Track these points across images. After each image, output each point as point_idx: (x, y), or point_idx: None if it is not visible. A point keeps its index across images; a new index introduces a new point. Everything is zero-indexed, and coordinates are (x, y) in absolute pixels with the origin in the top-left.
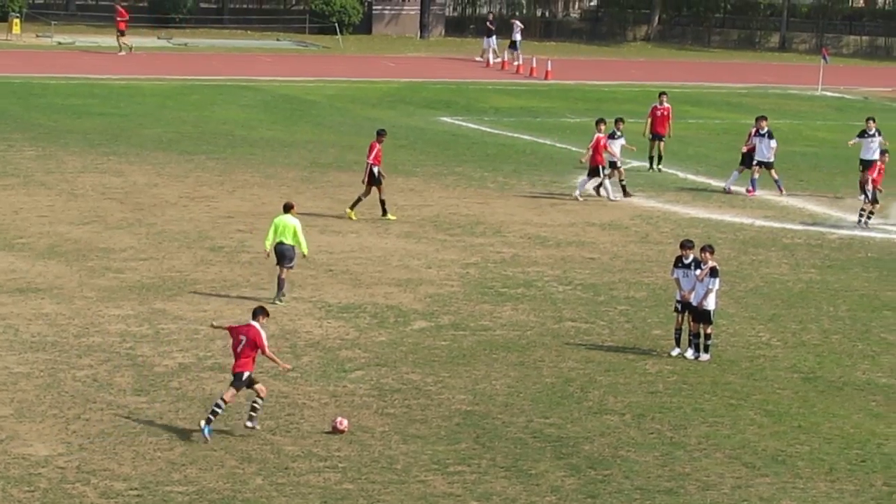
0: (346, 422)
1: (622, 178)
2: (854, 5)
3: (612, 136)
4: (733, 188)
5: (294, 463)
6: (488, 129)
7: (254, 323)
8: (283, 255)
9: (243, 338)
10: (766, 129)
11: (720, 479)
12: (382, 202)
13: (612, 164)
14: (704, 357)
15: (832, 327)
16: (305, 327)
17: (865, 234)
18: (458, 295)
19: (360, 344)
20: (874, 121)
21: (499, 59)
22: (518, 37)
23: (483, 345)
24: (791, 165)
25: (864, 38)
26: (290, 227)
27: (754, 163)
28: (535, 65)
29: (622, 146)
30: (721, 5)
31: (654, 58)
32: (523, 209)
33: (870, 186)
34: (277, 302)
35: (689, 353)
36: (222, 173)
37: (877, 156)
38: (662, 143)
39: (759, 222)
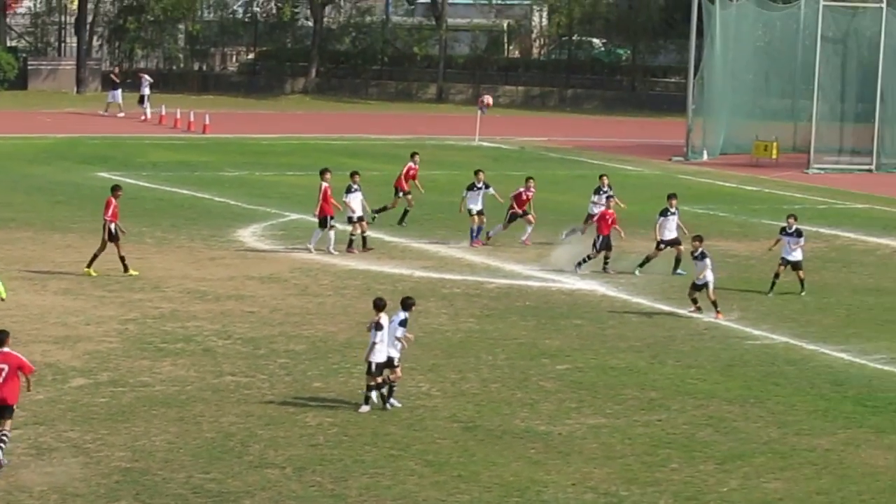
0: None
1: (363, 231)
2: (510, 56)
3: (348, 191)
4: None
5: None
6: (146, 184)
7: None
8: None
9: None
10: (481, 182)
11: None
12: (122, 258)
13: (350, 220)
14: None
15: (491, 376)
16: None
17: (523, 282)
18: (117, 351)
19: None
20: (607, 177)
21: (123, 114)
22: (146, 91)
23: (142, 401)
24: (450, 216)
25: (519, 88)
26: None
27: (476, 211)
28: (192, 119)
29: (361, 201)
30: (378, 58)
31: (312, 110)
32: (182, 263)
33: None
34: None
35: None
36: None
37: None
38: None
39: (418, 273)
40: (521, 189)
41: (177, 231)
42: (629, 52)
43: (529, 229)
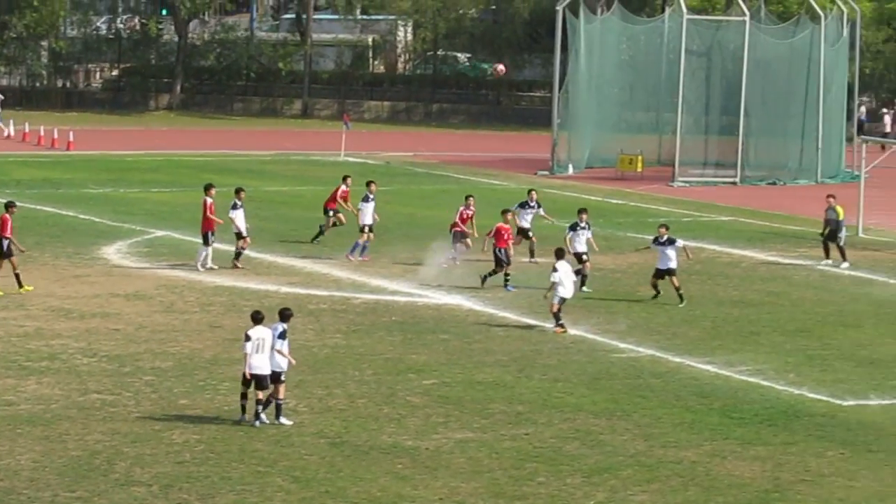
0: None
1: (244, 248)
2: (375, 71)
3: (234, 207)
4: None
5: None
6: None
7: None
8: None
9: None
10: (373, 194)
11: None
12: (17, 276)
13: (238, 235)
14: (285, 421)
15: (358, 391)
16: None
17: (389, 297)
18: None
19: None
20: (535, 192)
21: None
22: None
23: (7, 420)
24: (315, 231)
25: (385, 103)
26: None
27: (368, 227)
28: (56, 136)
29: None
30: (243, 74)
31: (177, 126)
32: (47, 281)
33: (511, 251)
34: None
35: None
36: None
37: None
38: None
39: (284, 289)
40: (462, 208)
41: (41, 249)
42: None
43: (457, 250)
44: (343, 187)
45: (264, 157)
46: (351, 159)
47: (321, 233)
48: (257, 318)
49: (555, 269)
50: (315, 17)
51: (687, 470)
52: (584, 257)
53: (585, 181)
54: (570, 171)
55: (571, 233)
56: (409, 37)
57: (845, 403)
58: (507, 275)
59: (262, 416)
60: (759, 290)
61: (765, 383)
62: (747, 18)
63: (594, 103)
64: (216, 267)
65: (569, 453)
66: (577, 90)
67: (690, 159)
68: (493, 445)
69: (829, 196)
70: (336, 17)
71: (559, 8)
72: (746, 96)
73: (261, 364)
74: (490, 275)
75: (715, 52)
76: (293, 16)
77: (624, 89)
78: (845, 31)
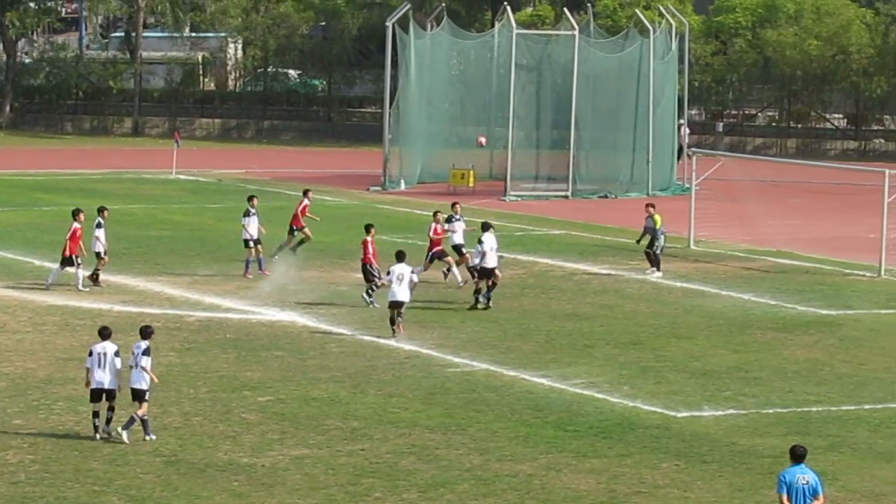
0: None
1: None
2: (205, 89)
3: (98, 226)
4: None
5: None
6: None
7: None
8: None
9: None
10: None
11: None
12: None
13: (98, 255)
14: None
15: (193, 409)
16: None
17: (223, 315)
18: None
19: None
20: (459, 204)
21: None
22: None
23: None
24: (147, 249)
25: (216, 120)
26: None
27: (253, 241)
28: None
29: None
30: (73, 92)
31: (7, 146)
32: None
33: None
34: None
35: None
36: None
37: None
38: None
39: (117, 307)
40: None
41: None
42: (325, 83)
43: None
44: (305, 202)
45: (95, 176)
46: (183, 177)
47: (293, 249)
48: (105, 334)
49: (388, 272)
50: (144, 34)
51: (523, 483)
52: (463, 250)
53: (418, 196)
54: (403, 186)
55: (447, 224)
56: (240, 54)
57: (679, 415)
58: (371, 288)
59: (109, 427)
60: (593, 303)
61: (599, 396)
62: (576, 33)
63: (425, 119)
64: (86, 289)
65: (405, 468)
66: (407, 106)
67: (522, 173)
68: (329, 461)
69: (648, 205)
70: (165, 34)
71: (389, 24)
72: (577, 110)
73: (102, 378)
74: (369, 292)
75: (545, 66)
76: (122, 34)
77: (455, 104)
78: (674, 45)
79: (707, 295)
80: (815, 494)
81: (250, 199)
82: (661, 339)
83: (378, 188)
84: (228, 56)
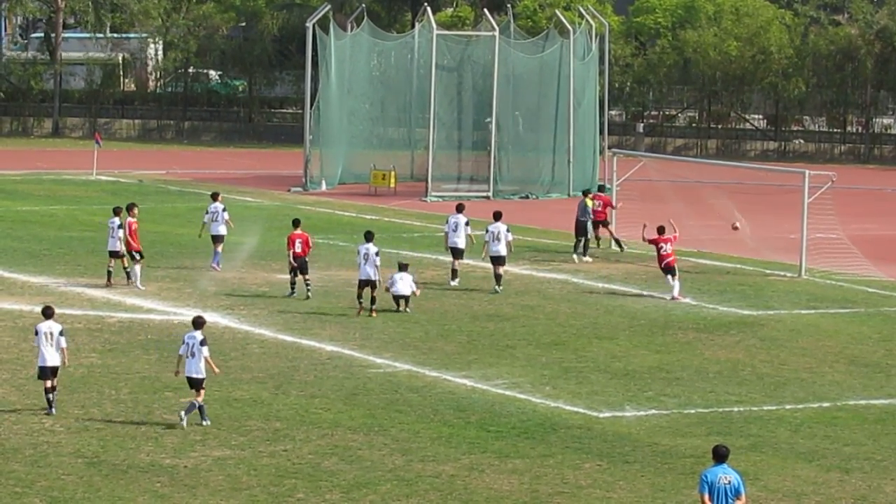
0: None
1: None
2: (126, 90)
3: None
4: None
5: None
6: None
7: None
8: None
9: None
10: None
11: None
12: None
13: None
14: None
15: (115, 410)
16: None
17: (145, 316)
18: None
19: None
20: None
21: None
22: None
23: None
24: (68, 251)
25: (136, 121)
26: None
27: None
28: None
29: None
30: None
31: None
32: None
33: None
34: None
35: None
36: None
37: None
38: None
39: (38, 308)
40: None
41: None
42: (245, 83)
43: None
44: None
45: (15, 177)
46: (103, 178)
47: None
48: (47, 314)
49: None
50: (64, 35)
51: (445, 484)
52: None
53: (339, 197)
54: (324, 187)
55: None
56: (160, 55)
57: (601, 415)
58: (307, 282)
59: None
60: (514, 303)
61: (521, 396)
62: (496, 34)
63: (346, 119)
64: (144, 287)
65: (327, 469)
66: (328, 107)
67: (443, 174)
68: (252, 462)
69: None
70: (86, 35)
71: (309, 24)
72: (497, 111)
73: (48, 356)
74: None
75: (466, 67)
76: (42, 34)
77: (375, 105)
78: (594, 46)
79: (628, 295)
80: (737, 494)
81: (215, 196)
82: (583, 340)
83: (299, 189)
84: (149, 57)
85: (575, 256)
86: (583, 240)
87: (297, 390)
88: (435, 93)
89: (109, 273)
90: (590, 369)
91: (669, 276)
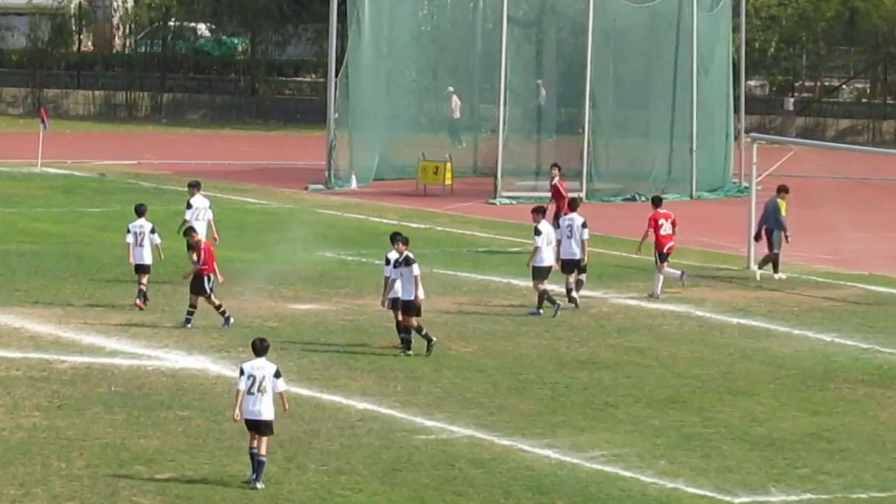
0: None
1: None
2: (82, 50)
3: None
4: None
5: None
6: None
7: None
8: None
9: None
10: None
11: None
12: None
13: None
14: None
15: (66, 491)
16: None
17: (107, 360)
18: None
19: None
20: None
21: None
22: None
23: None
24: (4, 270)
25: (97, 92)
26: None
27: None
28: None
29: None
30: None
31: None
32: None
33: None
34: None
35: None
36: None
37: None
38: None
39: None
40: None
41: None
42: (247, 42)
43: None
44: None
45: None
46: (52, 170)
47: None
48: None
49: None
50: None
51: None
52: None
53: (375, 198)
54: (354, 184)
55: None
56: (130, 2)
57: (736, 500)
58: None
59: None
60: (616, 344)
61: (626, 474)
62: None
63: (384, 92)
64: None
65: None
66: (360, 74)
67: (517, 167)
68: None
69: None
70: None
71: None
72: (593, 81)
73: None
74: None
75: (548, 20)
76: None
77: (425, 72)
78: None
79: (773, 335)
80: None
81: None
82: (711, 396)
83: (320, 186)
84: (114, 6)
85: (758, 272)
86: (774, 252)
87: (317, 464)
88: (507, 56)
89: (143, 292)
90: (720, 437)
91: (663, 266)
